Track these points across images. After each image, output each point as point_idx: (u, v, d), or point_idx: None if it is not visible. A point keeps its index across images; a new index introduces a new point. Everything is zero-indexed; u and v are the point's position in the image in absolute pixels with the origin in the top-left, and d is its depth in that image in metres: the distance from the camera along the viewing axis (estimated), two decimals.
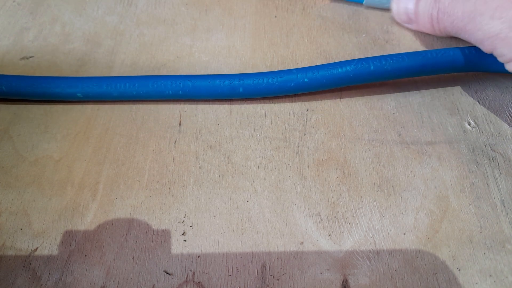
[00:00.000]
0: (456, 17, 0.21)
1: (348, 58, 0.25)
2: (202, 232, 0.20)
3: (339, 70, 0.22)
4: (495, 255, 0.19)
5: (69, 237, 0.19)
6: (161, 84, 0.23)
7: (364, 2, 0.28)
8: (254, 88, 0.23)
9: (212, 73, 0.25)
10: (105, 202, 0.20)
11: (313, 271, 0.18)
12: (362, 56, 0.26)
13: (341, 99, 0.24)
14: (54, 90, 0.23)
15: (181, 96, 0.23)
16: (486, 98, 0.24)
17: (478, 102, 0.24)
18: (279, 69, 0.24)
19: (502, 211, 0.20)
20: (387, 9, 0.28)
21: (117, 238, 0.19)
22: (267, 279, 0.18)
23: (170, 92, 0.23)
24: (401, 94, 0.24)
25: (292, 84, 0.23)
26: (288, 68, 0.24)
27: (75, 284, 0.18)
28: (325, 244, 0.19)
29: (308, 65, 0.24)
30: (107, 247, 0.19)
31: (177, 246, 0.19)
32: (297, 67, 0.24)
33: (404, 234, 0.19)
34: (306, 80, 0.22)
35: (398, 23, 0.27)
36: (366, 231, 0.19)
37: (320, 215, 0.20)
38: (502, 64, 0.21)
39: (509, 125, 0.23)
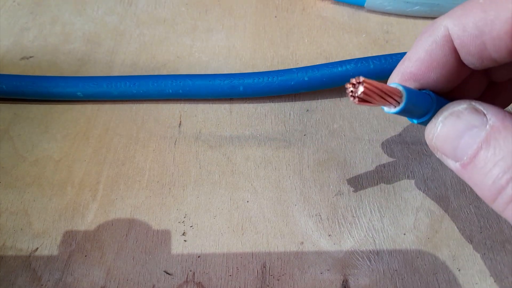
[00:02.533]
0: None
1: (348, 58, 0.25)
2: (202, 232, 0.20)
3: (339, 69, 0.22)
4: (495, 255, 0.19)
5: (69, 237, 0.19)
6: (161, 83, 0.23)
7: (365, 5, 0.28)
8: (255, 87, 0.23)
9: (212, 73, 0.25)
10: (105, 202, 0.20)
11: (313, 271, 0.18)
12: (362, 56, 0.26)
13: (341, 99, 0.24)
14: (54, 89, 0.23)
15: (181, 95, 0.23)
16: None
17: None
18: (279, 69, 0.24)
19: None
20: (388, 12, 0.28)
21: (117, 238, 0.19)
22: (267, 279, 0.18)
23: (170, 91, 0.23)
24: None
25: (292, 83, 0.23)
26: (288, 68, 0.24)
27: (75, 284, 0.18)
28: (325, 244, 0.19)
29: (308, 65, 0.24)
30: (107, 247, 0.19)
31: (177, 246, 0.19)
32: (297, 67, 0.24)
33: (404, 234, 0.19)
34: (306, 78, 0.22)
35: (399, 25, 0.27)
36: (366, 231, 0.19)
37: (320, 215, 0.20)
38: None
39: None
